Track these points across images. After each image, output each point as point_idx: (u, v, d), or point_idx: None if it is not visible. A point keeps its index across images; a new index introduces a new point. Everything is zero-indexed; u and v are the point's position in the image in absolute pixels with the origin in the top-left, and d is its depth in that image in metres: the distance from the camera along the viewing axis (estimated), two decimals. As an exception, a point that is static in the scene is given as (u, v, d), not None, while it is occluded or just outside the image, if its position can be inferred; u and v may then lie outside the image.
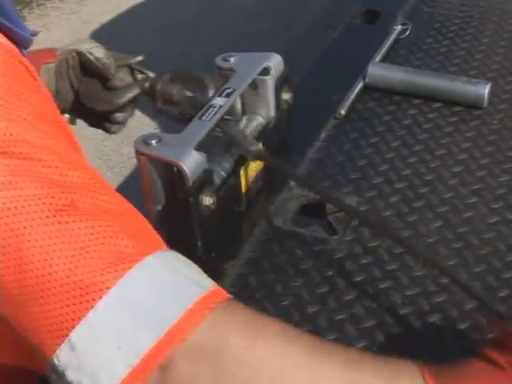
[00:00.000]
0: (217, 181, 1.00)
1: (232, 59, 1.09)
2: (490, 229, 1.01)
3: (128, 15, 4.15)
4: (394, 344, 0.86)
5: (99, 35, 3.93)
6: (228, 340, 0.57)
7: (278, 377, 0.58)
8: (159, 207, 0.95)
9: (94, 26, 4.06)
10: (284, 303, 0.92)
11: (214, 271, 0.96)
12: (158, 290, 0.60)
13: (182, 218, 0.95)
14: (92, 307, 0.58)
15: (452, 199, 1.07)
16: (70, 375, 0.58)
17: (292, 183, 1.11)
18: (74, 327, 0.58)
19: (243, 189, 1.07)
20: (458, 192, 1.08)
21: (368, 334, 0.87)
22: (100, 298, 0.58)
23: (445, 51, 1.42)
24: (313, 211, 1.07)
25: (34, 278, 0.58)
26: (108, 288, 0.58)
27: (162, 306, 0.58)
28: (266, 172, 1.11)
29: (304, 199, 1.08)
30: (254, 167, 1.09)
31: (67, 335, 0.58)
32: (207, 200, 0.94)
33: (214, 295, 0.61)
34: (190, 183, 0.91)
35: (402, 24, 1.48)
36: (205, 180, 0.93)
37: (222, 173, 1.02)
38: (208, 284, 0.63)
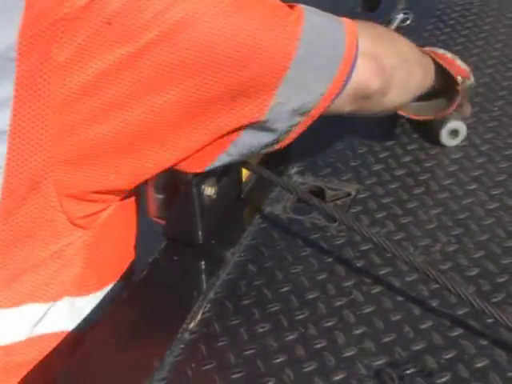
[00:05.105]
0: (218, 171, 1.00)
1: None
2: (489, 215, 1.02)
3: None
4: (394, 329, 0.86)
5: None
6: None
7: None
8: (161, 196, 0.96)
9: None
10: (283, 290, 0.92)
11: (213, 259, 0.98)
12: None
13: (184, 207, 0.96)
14: None
15: (451, 186, 1.07)
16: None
17: (292, 171, 1.11)
18: None
19: (244, 177, 1.07)
20: (458, 178, 1.08)
21: (367, 319, 0.88)
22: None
23: (445, 39, 1.42)
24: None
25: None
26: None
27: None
28: (265, 161, 1.11)
29: (303, 187, 1.09)
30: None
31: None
32: (209, 190, 0.95)
33: None
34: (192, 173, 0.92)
35: (404, 13, 1.47)
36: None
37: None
38: None
